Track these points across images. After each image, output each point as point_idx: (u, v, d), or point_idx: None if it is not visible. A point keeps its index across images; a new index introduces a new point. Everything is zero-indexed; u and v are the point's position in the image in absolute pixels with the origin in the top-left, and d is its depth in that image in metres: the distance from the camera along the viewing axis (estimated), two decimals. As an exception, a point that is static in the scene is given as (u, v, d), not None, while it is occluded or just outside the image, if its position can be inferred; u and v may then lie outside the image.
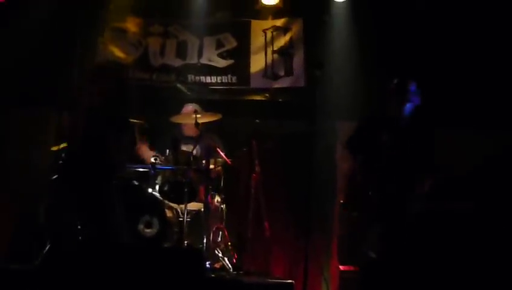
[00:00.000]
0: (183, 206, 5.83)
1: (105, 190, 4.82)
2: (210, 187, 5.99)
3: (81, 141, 4.82)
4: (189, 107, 6.34)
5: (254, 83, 7.16)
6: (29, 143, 6.91)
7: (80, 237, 4.71)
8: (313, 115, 4.94)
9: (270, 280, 5.59)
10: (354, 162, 5.08)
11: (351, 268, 5.61)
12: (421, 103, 4.97)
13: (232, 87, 7.16)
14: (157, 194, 5.93)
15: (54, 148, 6.04)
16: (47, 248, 5.73)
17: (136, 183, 5.99)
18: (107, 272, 4.16)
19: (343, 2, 7.01)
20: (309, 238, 4.78)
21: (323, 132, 6.30)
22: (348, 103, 6.66)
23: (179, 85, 7.15)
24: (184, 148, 6.14)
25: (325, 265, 6.50)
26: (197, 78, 7.19)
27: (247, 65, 7.19)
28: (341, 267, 5.74)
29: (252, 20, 7.31)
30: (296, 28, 7.22)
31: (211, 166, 5.99)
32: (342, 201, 5.28)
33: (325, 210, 6.41)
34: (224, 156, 6.09)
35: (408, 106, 4.94)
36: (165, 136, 6.32)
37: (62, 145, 5.94)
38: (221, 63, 7.21)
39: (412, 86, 4.97)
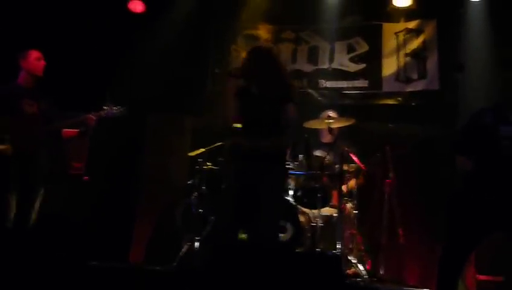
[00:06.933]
0: (316, 211, 5.83)
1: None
2: (343, 193, 5.94)
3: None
4: (326, 113, 6.29)
5: (386, 87, 7.07)
6: (167, 149, 7.16)
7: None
8: (451, 118, 4.74)
9: (405, 288, 5.48)
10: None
11: (491, 278, 5.37)
12: None
13: (364, 92, 7.12)
14: (290, 199, 5.92)
15: (191, 154, 6.24)
16: (183, 250, 5.99)
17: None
18: (242, 274, 4.24)
19: (479, 1, 6.76)
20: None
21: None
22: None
23: (310, 90, 7.21)
24: (318, 153, 6.13)
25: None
26: (329, 83, 7.22)
27: (379, 69, 7.13)
28: (479, 276, 5.50)
29: (383, 23, 7.25)
30: (429, 30, 7.06)
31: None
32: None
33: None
34: (358, 161, 6.03)
35: None
36: (298, 141, 6.32)
37: (199, 151, 6.15)
38: (353, 67, 7.19)
39: None
